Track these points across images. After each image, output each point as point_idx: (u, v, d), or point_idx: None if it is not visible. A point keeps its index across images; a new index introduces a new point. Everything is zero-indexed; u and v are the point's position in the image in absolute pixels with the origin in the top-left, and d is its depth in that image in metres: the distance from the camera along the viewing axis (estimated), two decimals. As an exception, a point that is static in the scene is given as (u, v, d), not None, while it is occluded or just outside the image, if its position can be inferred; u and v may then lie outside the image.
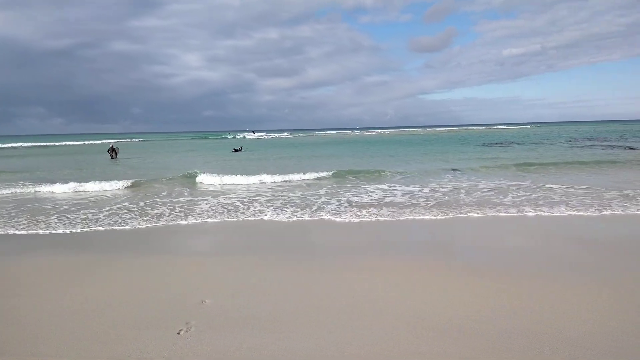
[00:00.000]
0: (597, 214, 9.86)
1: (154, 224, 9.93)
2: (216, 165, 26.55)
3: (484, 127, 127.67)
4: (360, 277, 6.00)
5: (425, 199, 12.19)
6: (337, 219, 9.99)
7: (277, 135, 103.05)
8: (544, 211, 10.26)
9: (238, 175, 17.80)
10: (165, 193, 14.62)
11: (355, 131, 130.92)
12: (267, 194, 13.92)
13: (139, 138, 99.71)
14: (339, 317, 4.73)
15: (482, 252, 7.36)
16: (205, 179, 17.43)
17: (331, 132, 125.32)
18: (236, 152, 39.13)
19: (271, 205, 11.87)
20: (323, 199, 12.75)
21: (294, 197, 13.19)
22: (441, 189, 13.82)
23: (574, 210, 10.22)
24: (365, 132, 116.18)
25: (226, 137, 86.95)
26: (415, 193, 13.31)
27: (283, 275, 6.15)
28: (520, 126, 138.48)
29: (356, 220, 9.84)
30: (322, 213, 10.68)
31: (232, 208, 11.71)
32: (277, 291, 5.54)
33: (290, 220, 10.06)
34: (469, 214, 10.12)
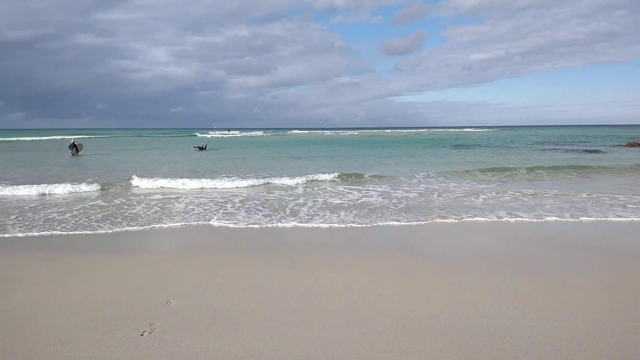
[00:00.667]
0: (566, 217, 10.23)
1: (116, 225, 9.67)
2: (173, 166, 24.26)
3: (451, 130, 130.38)
4: (328, 275, 6.03)
5: (397, 201, 12.34)
6: (305, 224, 9.99)
7: (252, 133, 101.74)
8: (514, 215, 10.56)
9: (185, 180, 15.58)
10: (119, 194, 14.26)
11: (326, 131, 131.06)
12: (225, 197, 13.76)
13: (104, 134, 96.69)
14: (306, 315, 4.74)
15: (450, 252, 7.53)
16: (142, 183, 15.41)
17: (303, 131, 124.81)
18: (200, 150, 37.28)
19: (242, 207, 11.75)
20: (292, 203, 12.71)
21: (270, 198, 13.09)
22: (414, 191, 14.04)
23: (544, 213, 10.58)
24: (341, 132, 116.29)
25: (195, 135, 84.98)
26: (391, 194, 13.47)
27: (249, 275, 6.10)
28: (486, 129, 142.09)
29: (326, 225, 9.85)
30: (288, 216, 10.65)
31: (200, 210, 11.53)
32: (244, 291, 5.50)
33: (255, 222, 10.00)
34: (439, 216, 10.32)
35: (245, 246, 7.90)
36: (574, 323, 4.51)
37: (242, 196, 13.22)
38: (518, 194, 13.19)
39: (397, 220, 9.74)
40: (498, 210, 10.82)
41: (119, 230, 9.12)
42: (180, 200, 12.61)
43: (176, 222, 9.76)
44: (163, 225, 9.54)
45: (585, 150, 34.23)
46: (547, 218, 9.85)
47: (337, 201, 12.22)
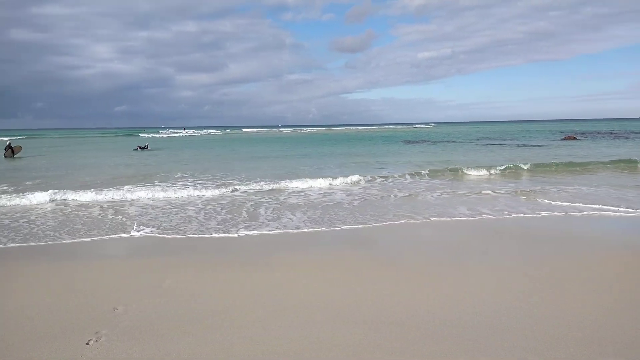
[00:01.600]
0: (513, 214, 10.72)
1: (58, 228, 9.19)
2: (103, 169, 21.37)
3: (402, 127, 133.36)
4: (282, 274, 6.02)
5: (350, 200, 12.49)
6: (257, 230, 9.92)
7: (203, 132, 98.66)
8: (465, 212, 10.96)
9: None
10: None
11: (287, 129, 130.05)
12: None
13: (43, 135, 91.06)
14: (260, 316, 4.71)
15: (405, 248, 7.72)
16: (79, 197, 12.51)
17: (258, 129, 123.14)
18: (141, 150, 35.18)
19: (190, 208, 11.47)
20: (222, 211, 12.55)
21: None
22: (372, 189, 14.26)
23: (491, 210, 11.04)
24: (298, 130, 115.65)
25: (140, 135, 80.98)
26: (347, 192, 13.59)
27: (200, 277, 5.99)
28: (432, 125, 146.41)
29: (275, 227, 9.82)
30: (244, 220, 10.54)
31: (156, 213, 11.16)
32: (195, 293, 5.39)
33: (208, 220, 9.82)
34: (395, 214, 10.54)
35: (195, 248, 7.73)
36: (523, 310, 4.75)
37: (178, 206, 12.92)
38: (471, 193, 13.70)
39: (357, 220, 9.86)
40: (449, 207, 11.20)
41: (59, 242, 8.66)
42: (113, 209, 12.16)
43: (117, 232, 9.40)
44: (105, 236, 9.17)
45: (525, 145, 36.07)
46: (492, 216, 10.31)
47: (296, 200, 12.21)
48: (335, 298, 5.15)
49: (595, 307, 4.77)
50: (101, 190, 13.26)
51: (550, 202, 11.12)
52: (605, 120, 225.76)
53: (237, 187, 13.89)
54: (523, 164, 18.85)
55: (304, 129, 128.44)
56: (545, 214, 9.82)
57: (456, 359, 3.79)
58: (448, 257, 6.83)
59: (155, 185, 14.98)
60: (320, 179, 14.79)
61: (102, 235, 8.52)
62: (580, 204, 10.63)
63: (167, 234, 8.52)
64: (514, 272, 6.00)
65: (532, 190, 12.83)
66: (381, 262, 6.65)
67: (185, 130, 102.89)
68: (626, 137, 44.82)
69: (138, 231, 8.69)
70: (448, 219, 9.52)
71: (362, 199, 11.98)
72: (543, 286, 5.42)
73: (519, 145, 35.28)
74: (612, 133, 54.94)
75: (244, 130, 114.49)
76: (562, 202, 11.04)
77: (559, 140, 42.31)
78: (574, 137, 42.48)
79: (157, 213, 10.55)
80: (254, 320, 4.59)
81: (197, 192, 13.04)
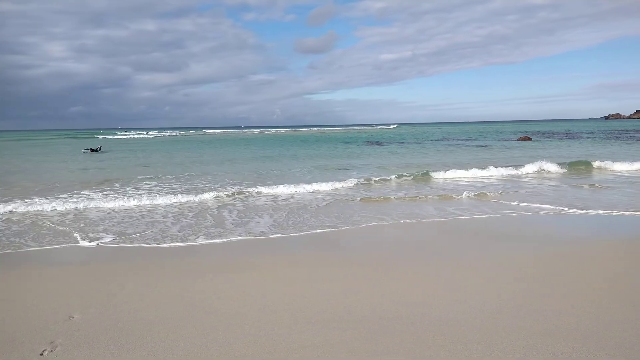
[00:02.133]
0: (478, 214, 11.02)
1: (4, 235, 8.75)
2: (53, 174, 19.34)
3: (365, 127, 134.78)
4: (241, 276, 5.97)
5: (317, 204, 12.50)
6: (215, 239, 9.78)
7: (163, 133, 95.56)
8: (429, 213, 11.18)
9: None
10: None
11: (251, 129, 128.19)
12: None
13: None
14: (224, 319, 4.65)
15: (364, 246, 7.80)
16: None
17: (222, 130, 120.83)
18: (93, 153, 33.13)
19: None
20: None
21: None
22: (339, 192, 14.31)
23: (455, 210, 11.31)
24: (265, 131, 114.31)
25: (96, 137, 77.39)
26: (313, 193, 13.58)
27: (160, 281, 5.85)
28: (395, 126, 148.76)
29: (240, 233, 9.72)
30: (207, 226, 10.37)
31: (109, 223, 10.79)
32: (156, 298, 5.26)
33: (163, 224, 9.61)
34: (362, 216, 10.64)
35: (153, 255, 7.54)
36: (479, 303, 4.90)
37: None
38: (433, 195, 14.00)
39: (324, 224, 9.89)
40: (415, 208, 11.41)
41: (6, 251, 8.25)
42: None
43: (69, 241, 9.05)
44: (56, 245, 8.80)
45: (484, 145, 37.25)
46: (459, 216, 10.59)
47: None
48: (303, 299, 5.16)
49: (557, 300, 4.98)
50: (46, 196, 12.69)
51: (510, 202, 11.53)
52: (559, 120, 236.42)
53: (197, 193, 13.62)
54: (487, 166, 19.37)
55: (269, 130, 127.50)
56: (506, 214, 10.18)
57: (415, 352, 3.87)
58: (409, 256, 6.96)
59: (106, 191, 14.44)
60: (286, 184, 14.67)
61: (52, 245, 8.16)
62: (531, 204, 11.07)
63: (125, 242, 8.27)
64: (473, 268, 6.18)
65: (497, 193, 13.27)
66: (346, 262, 6.71)
67: (160, 133, 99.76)
68: (576, 138, 47.06)
69: (92, 240, 8.34)
70: (413, 220, 9.71)
71: (329, 203, 12.03)
72: (500, 281, 5.61)
73: (478, 146, 36.37)
74: (564, 134, 57.59)
75: (206, 131, 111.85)
76: (520, 202, 11.47)
77: (514, 140, 43.93)
78: (529, 138, 44.23)
79: (111, 221, 10.22)
80: (218, 324, 4.53)
81: (148, 201, 11.88)
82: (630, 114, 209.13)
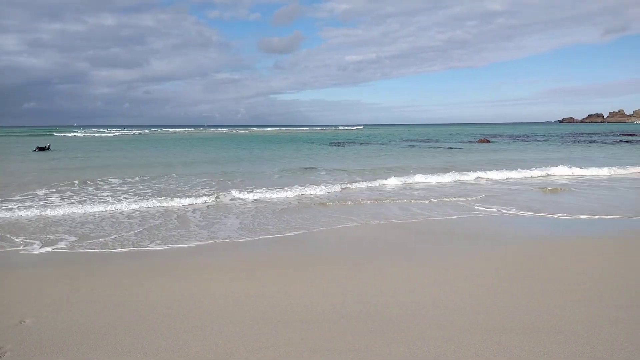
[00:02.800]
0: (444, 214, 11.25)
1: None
2: None
3: (331, 128, 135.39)
4: (202, 278, 5.90)
5: (282, 207, 12.45)
6: (173, 244, 9.60)
7: (122, 132, 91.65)
8: (393, 214, 11.33)
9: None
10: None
11: (214, 129, 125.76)
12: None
13: None
14: (181, 321, 4.58)
15: (326, 247, 7.85)
16: None
17: (184, 129, 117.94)
18: (41, 151, 31.25)
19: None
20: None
21: (137, 199, 12.21)
22: (307, 192, 14.29)
23: (418, 211, 11.52)
24: (224, 130, 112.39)
25: (53, 134, 73.71)
26: (274, 195, 13.51)
27: (117, 285, 5.70)
28: (361, 127, 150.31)
29: (201, 237, 9.57)
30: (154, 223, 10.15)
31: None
32: (112, 302, 5.12)
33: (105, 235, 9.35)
34: (317, 215, 10.67)
35: (112, 258, 7.33)
36: (437, 300, 5.03)
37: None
38: (394, 198, 14.22)
39: (290, 227, 9.87)
40: (382, 209, 11.56)
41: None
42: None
43: (19, 245, 8.67)
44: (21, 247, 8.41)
45: (446, 147, 38.19)
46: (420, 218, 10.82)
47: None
48: (264, 299, 5.14)
49: (511, 297, 5.17)
50: None
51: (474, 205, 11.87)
52: (517, 123, 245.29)
53: (158, 196, 13.31)
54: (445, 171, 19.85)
55: (233, 129, 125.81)
56: (464, 216, 10.48)
57: (376, 349, 3.94)
58: (371, 256, 7.06)
59: (52, 193, 13.88)
60: (251, 188, 14.53)
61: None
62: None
63: (79, 248, 7.99)
64: (432, 267, 6.34)
65: (456, 196, 13.61)
66: (308, 262, 6.73)
67: (124, 130, 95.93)
68: (533, 141, 48.98)
69: (44, 245, 8.02)
70: (376, 222, 9.84)
71: (295, 205, 12.03)
72: (457, 279, 5.78)
73: (443, 148, 37.24)
74: (520, 136, 59.83)
75: (168, 130, 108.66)
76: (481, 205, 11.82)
77: (474, 142, 45.29)
78: (487, 140, 45.77)
79: (65, 225, 9.86)
80: (177, 326, 4.45)
81: (101, 206, 10.94)
82: (583, 118, 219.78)
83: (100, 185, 14.92)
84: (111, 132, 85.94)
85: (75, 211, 10.51)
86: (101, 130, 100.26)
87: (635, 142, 43.75)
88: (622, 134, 60.81)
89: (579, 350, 3.92)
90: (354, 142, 47.54)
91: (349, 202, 11.76)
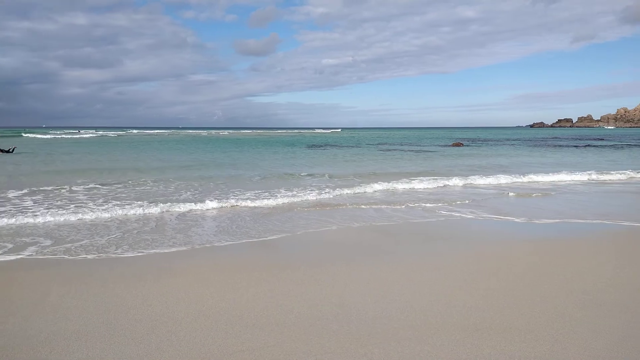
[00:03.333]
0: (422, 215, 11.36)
1: None
2: None
3: (309, 131, 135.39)
4: (176, 282, 5.82)
5: (260, 208, 12.38)
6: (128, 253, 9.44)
7: (93, 133, 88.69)
8: (366, 219, 11.38)
9: None
10: None
11: (189, 130, 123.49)
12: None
13: None
14: (154, 325, 4.50)
15: (301, 250, 7.84)
16: None
17: (158, 131, 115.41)
18: (3, 154, 29.93)
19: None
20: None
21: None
22: (283, 195, 14.24)
23: (392, 215, 11.62)
24: (215, 132, 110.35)
25: (21, 135, 71.05)
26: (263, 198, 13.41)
27: (88, 291, 5.56)
28: (339, 130, 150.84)
29: (174, 243, 9.43)
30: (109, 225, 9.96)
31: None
32: (83, 308, 4.99)
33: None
34: (293, 218, 10.66)
35: (84, 264, 7.14)
36: (410, 301, 5.09)
37: (84, 203, 11.85)
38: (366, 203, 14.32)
39: (267, 229, 9.81)
40: (356, 211, 11.62)
41: None
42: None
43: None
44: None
45: (422, 151, 38.71)
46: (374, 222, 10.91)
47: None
48: (239, 303, 5.10)
49: (481, 297, 5.27)
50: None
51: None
52: (490, 128, 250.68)
53: (129, 201, 13.05)
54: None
55: (209, 131, 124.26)
56: (434, 219, 10.65)
57: (351, 351, 3.96)
58: (345, 258, 7.08)
59: (34, 198, 13.52)
60: (234, 193, 14.45)
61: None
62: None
63: (48, 254, 7.77)
64: (405, 268, 6.41)
65: (431, 201, 13.80)
66: (283, 265, 6.70)
67: (97, 131, 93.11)
68: (507, 145, 50.15)
69: (11, 251, 7.78)
70: (352, 225, 9.90)
71: (270, 211, 11.98)
72: (430, 280, 5.86)
73: (418, 152, 37.69)
74: (492, 140, 61.20)
75: (144, 132, 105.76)
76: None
77: (448, 146, 46.09)
78: (461, 144, 46.73)
79: (34, 231, 9.57)
80: (150, 331, 4.38)
81: (72, 214, 10.30)
82: (553, 123, 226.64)
83: (64, 192, 14.48)
84: (85, 134, 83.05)
85: (38, 220, 10.19)
86: (71, 131, 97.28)
87: (604, 146, 45.35)
88: (591, 139, 62.99)
89: (549, 350, 4.03)
90: (333, 145, 47.65)
91: (328, 208, 11.78)
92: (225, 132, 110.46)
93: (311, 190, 14.02)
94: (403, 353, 3.96)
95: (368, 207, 11.53)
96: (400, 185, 15.75)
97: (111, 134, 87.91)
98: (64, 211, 10.51)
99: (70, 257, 7.07)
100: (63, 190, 13.86)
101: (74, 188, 14.35)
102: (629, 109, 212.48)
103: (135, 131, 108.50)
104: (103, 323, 4.56)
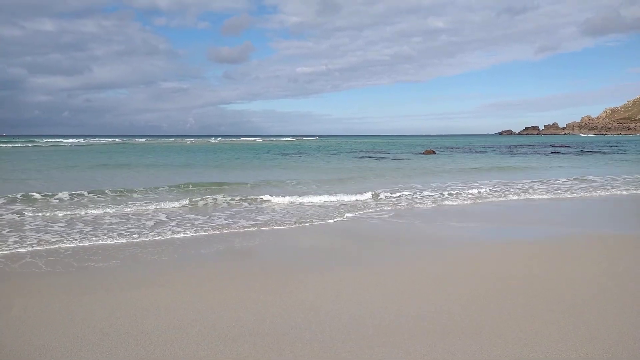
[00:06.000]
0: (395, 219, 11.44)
1: None
2: None
3: (283, 139, 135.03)
4: (144, 293, 5.69)
5: (208, 218, 12.25)
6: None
7: (87, 141, 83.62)
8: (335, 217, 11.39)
9: None
10: None
11: (163, 139, 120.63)
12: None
13: None
14: (122, 338, 4.38)
15: (274, 256, 7.79)
16: None
17: (142, 138, 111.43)
18: None
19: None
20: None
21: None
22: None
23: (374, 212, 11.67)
24: (192, 140, 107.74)
25: None
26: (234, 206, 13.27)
27: (51, 302, 5.38)
28: (315, 138, 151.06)
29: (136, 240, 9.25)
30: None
31: None
32: (48, 321, 4.82)
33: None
34: (273, 220, 10.60)
35: (46, 272, 6.91)
36: (383, 305, 5.11)
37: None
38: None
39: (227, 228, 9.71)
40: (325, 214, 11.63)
41: None
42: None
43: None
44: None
45: (397, 158, 39.15)
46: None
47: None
48: (211, 313, 5.02)
49: (451, 301, 5.34)
50: None
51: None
52: (460, 135, 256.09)
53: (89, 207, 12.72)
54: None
55: (183, 139, 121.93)
56: (404, 222, 10.76)
57: (324, 358, 3.95)
58: (318, 264, 7.08)
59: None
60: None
61: None
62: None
63: (11, 263, 7.50)
64: (376, 273, 6.44)
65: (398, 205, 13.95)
66: (255, 273, 6.64)
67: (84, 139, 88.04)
68: (472, 152, 51.25)
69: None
70: (329, 230, 9.91)
71: (207, 224, 11.88)
72: (401, 284, 5.91)
73: (392, 159, 38.09)
74: (463, 147, 62.45)
75: (118, 140, 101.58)
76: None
77: (421, 153, 46.79)
78: (433, 152, 47.50)
79: None
80: (117, 345, 4.26)
81: (39, 220, 10.96)
82: (520, 131, 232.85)
83: (44, 197, 14.01)
84: (68, 142, 77.56)
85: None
86: (35, 140, 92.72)
87: (569, 152, 46.93)
88: (556, 145, 65.12)
89: (518, 353, 4.10)
90: (312, 154, 47.53)
91: (307, 223, 11.76)
92: (194, 140, 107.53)
93: (299, 196, 14.07)
94: (376, 359, 3.97)
95: (352, 214, 11.56)
96: (385, 195, 15.93)
97: (81, 141, 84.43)
98: (31, 213, 10.21)
99: (34, 269, 6.82)
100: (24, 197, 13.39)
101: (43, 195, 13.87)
102: (593, 116, 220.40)
103: (112, 139, 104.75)
104: (69, 336, 4.42)
